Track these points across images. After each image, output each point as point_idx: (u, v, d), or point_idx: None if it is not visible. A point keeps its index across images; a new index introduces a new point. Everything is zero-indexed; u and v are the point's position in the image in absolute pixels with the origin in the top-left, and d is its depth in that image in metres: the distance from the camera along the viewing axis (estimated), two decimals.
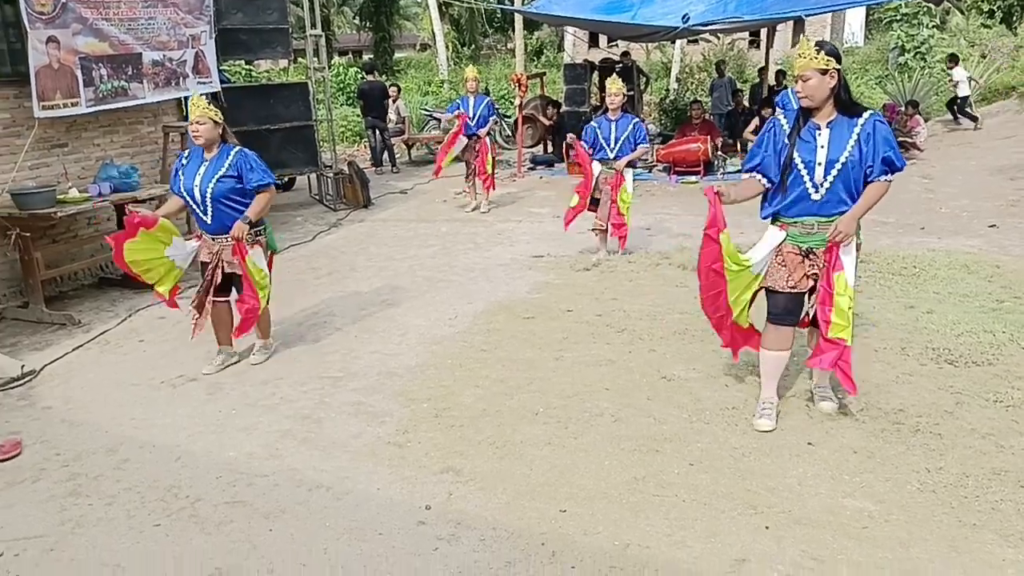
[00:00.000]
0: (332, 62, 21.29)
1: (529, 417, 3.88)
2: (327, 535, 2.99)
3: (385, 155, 13.07)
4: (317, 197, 10.39)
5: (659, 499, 3.12)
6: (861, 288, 5.09)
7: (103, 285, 6.61)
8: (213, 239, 4.47)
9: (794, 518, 2.96)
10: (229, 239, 4.39)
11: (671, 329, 4.97)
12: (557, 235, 7.64)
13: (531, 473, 3.36)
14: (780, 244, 3.58)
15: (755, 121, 11.38)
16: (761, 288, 3.69)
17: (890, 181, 3.42)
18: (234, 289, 4.60)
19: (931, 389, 3.95)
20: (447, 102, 18.01)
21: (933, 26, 20.14)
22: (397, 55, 32.80)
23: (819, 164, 3.40)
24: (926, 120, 13.65)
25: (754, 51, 23.91)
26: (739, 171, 10.84)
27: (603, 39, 24.41)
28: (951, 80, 14.51)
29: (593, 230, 6.86)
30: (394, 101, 13.53)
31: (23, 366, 4.70)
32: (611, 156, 6.54)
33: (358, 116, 14.87)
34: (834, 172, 3.38)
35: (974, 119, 14.15)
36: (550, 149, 13.52)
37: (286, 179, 10.62)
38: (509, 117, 14.75)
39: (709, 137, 11.26)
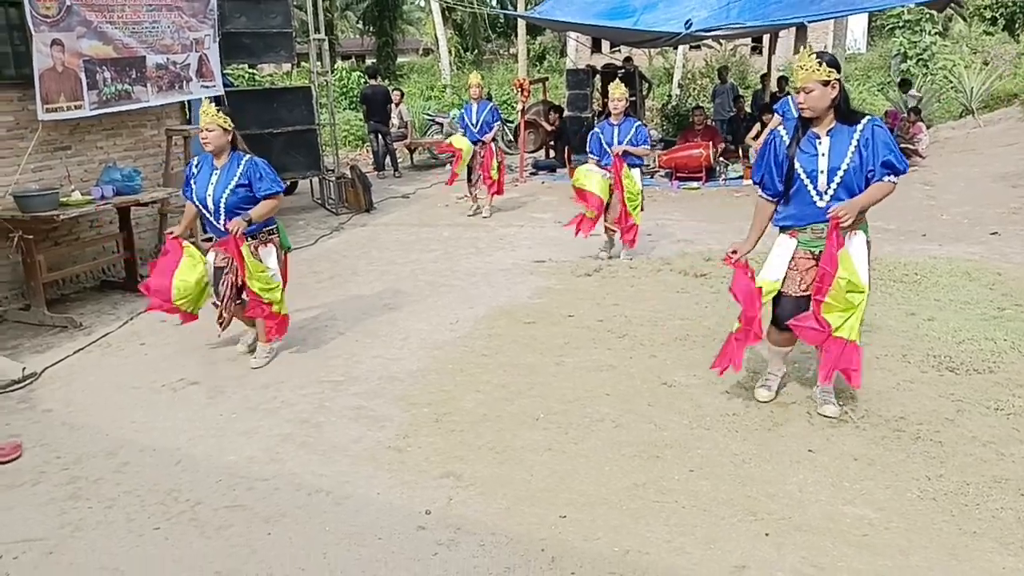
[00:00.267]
0: (335, 66, 21.35)
1: (529, 422, 3.88)
2: (327, 539, 2.99)
3: (387, 159, 13.09)
4: (319, 201, 10.40)
5: (659, 505, 3.12)
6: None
7: (105, 288, 6.62)
8: None
9: (794, 525, 2.96)
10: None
11: (672, 335, 4.97)
12: (558, 240, 7.65)
13: (531, 478, 3.36)
14: (793, 252, 3.64)
15: (756, 127, 11.38)
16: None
17: (894, 182, 3.43)
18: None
19: (932, 396, 3.95)
20: (449, 107, 18.10)
21: (936, 33, 20.19)
22: (400, 60, 32.95)
23: (821, 172, 3.46)
24: (928, 127, 13.62)
25: (756, 57, 24.01)
26: (740, 177, 10.99)
27: (606, 44, 24.45)
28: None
29: (605, 230, 6.93)
30: (397, 105, 13.54)
31: (24, 369, 4.70)
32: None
33: (361, 120, 14.89)
34: (837, 179, 3.44)
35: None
36: (552, 154, 13.54)
37: (288, 183, 10.61)
38: (511, 122, 14.77)
39: (711, 143, 11.26)
